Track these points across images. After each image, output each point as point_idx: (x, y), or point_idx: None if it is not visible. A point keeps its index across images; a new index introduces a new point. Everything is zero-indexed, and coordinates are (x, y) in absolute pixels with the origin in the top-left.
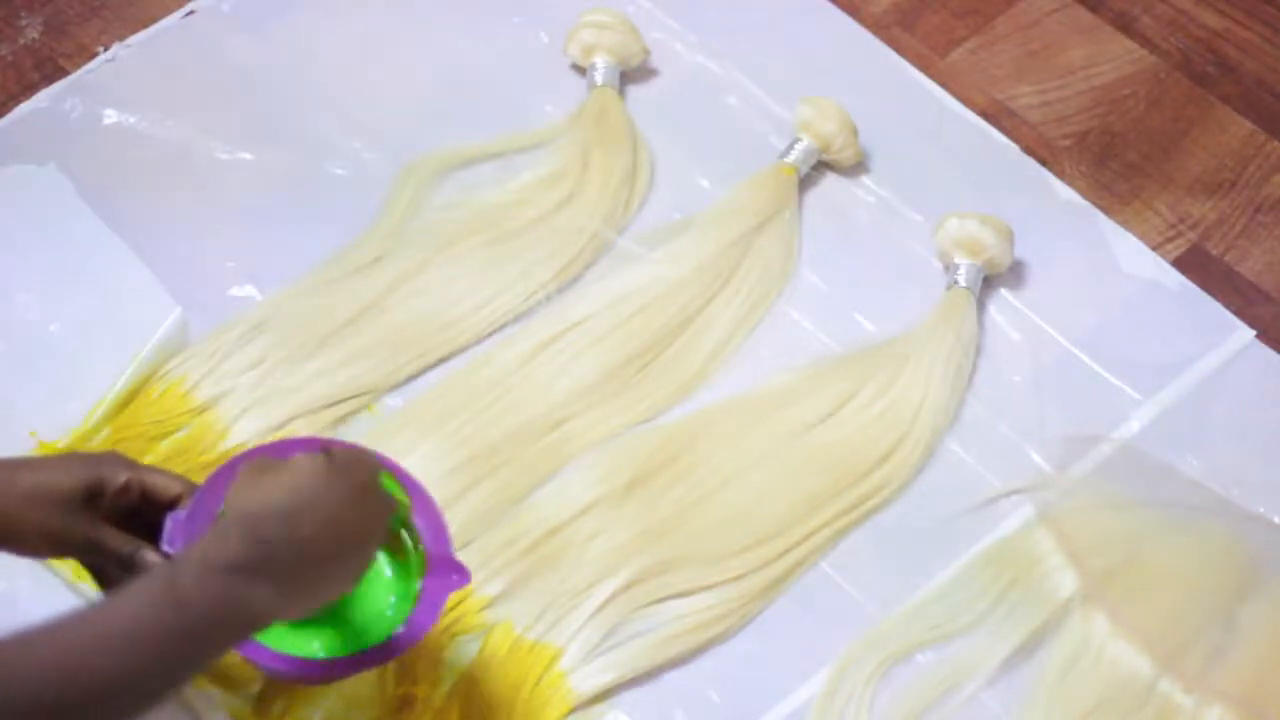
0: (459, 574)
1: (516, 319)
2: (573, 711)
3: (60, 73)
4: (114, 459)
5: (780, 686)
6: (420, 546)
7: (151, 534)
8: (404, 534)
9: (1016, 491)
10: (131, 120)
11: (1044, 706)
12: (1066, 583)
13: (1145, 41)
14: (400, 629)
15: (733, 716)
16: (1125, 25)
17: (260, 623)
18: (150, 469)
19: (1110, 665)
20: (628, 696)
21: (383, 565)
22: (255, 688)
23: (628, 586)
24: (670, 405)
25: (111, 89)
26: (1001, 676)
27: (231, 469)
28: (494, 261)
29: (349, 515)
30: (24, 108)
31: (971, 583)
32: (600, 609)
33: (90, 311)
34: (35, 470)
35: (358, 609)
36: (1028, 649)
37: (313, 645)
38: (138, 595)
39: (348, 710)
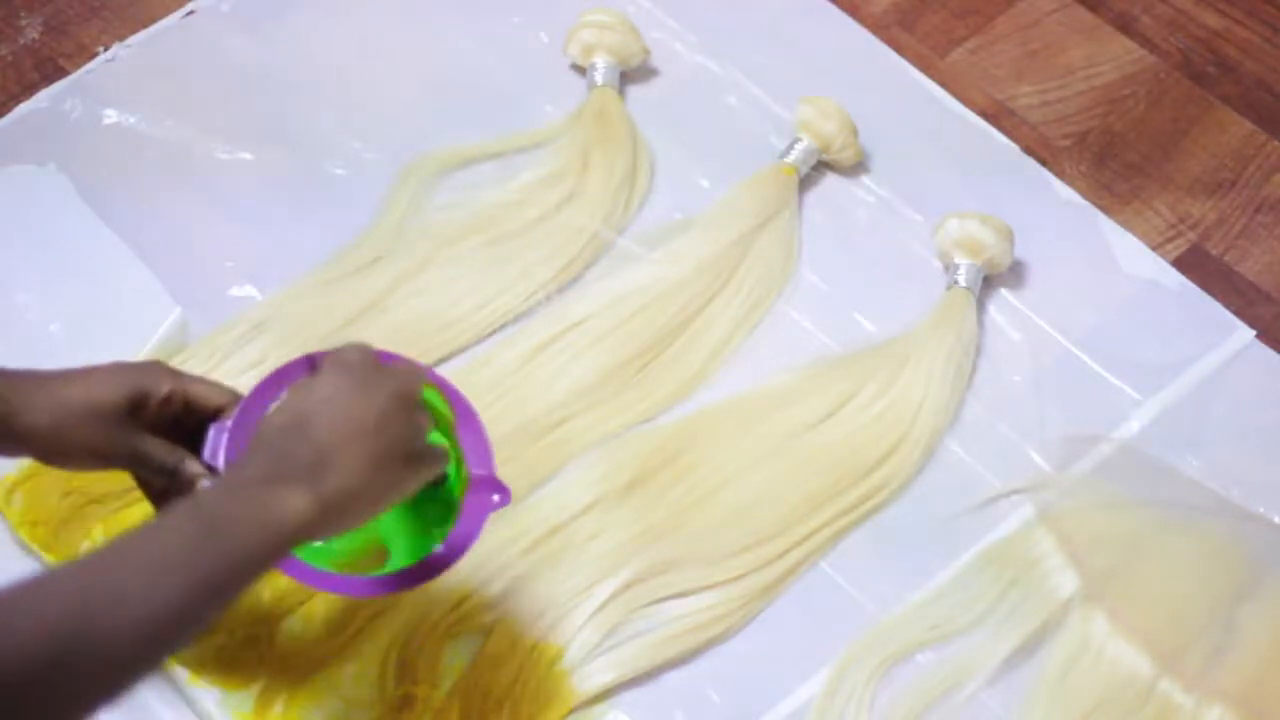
0: (500, 492)
1: (516, 319)
2: (573, 711)
3: (60, 73)
4: (156, 369)
5: (780, 686)
6: (463, 463)
7: (195, 444)
8: (448, 448)
9: (1016, 491)
10: (131, 120)
11: (1044, 706)
12: (1066, 583)
13: (1145, 41)
14: (438, 548)
15: (733, 716)
16: (1125, 25)
17: (295, 536)
18: (194, 378)
19: (1110, 665)
20: (628, 696)
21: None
22: (256, 687)
23: (628, 586)
24: (670, 405)
25: (111, 89)
26: (1001, 676)
27: (277, 379)
28: (494, 261)
29: (370, 418)
30: (24, 108)
31: (971, 583)
32: (600, 609)
33: (90, 311)
34: (79, 384)
35: (401, 527)
36: (1028, 649)
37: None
38: (165, 523)
39: (348, 710)
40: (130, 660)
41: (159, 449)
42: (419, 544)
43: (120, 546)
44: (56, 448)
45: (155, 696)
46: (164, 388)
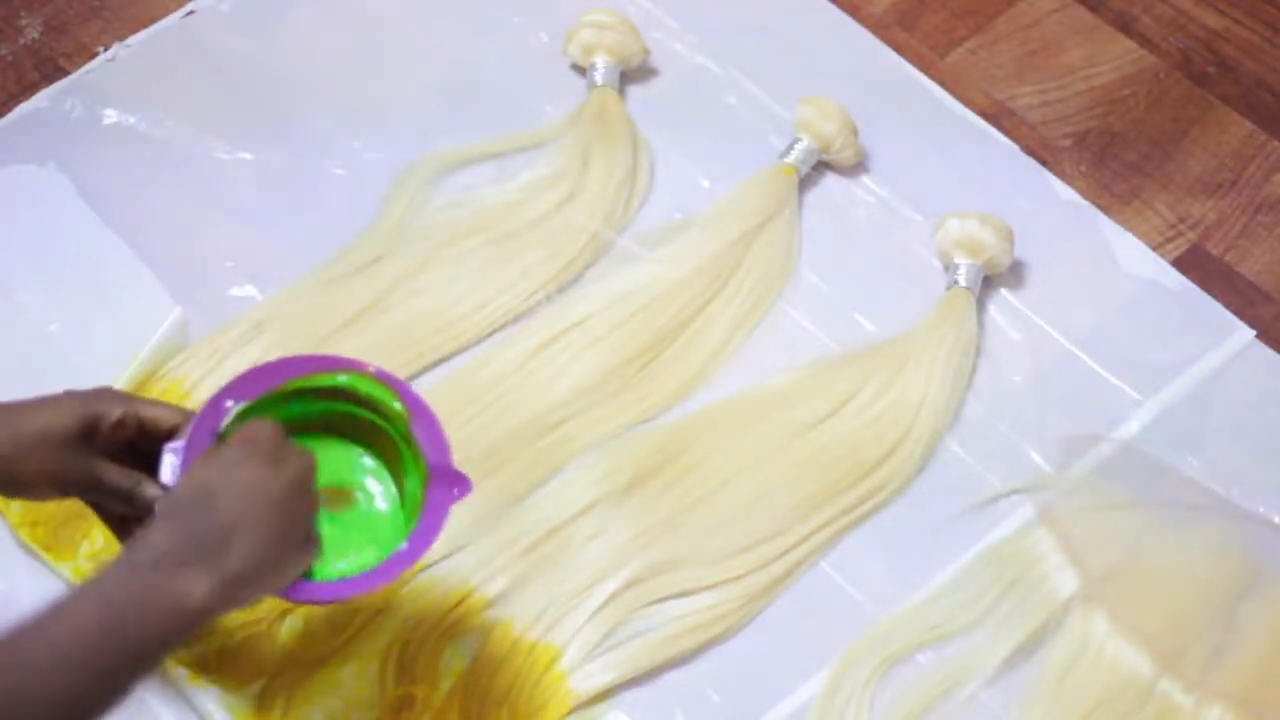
0: (460, 485)
1: (516, 319)
2: (573, 711)
3: (60, 73)
4: (108, 393)
5: (780, 686)
6: (421, 460)
7: (152, 466)
8: (404, 448)
9: (1016, 491)
10: (131, 120)
11: (1044, 706)
12: (1066, 583)
13: (1145, 41)
14: (403, 545)
15: (733, 716)
16: (1125, 25)
17: (198, 618)
18: (146, 400)
19: (1110, 665)
20: (628, 696)
21: (377, 489)
22: (256, 687)
23: (628, 586)
24: (670, 405)
25: (111, 89)
26: (1001, 676)
27: (222, 397)
28: (494, 261)
29: (275, 496)
30: (24, 108)
31: (971, 583)
32: (600, 609)
33: (90, 311)
34: (30, 412)
35: (363, 531)
36: (1028, 649)
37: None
38: (66, 614)
39: (348, 710)
40: None
41: (114, 473)
42: (384, 541)
43: (21, 643)
44: (12, 477)
45: (155, 696)
46: (116, 412)
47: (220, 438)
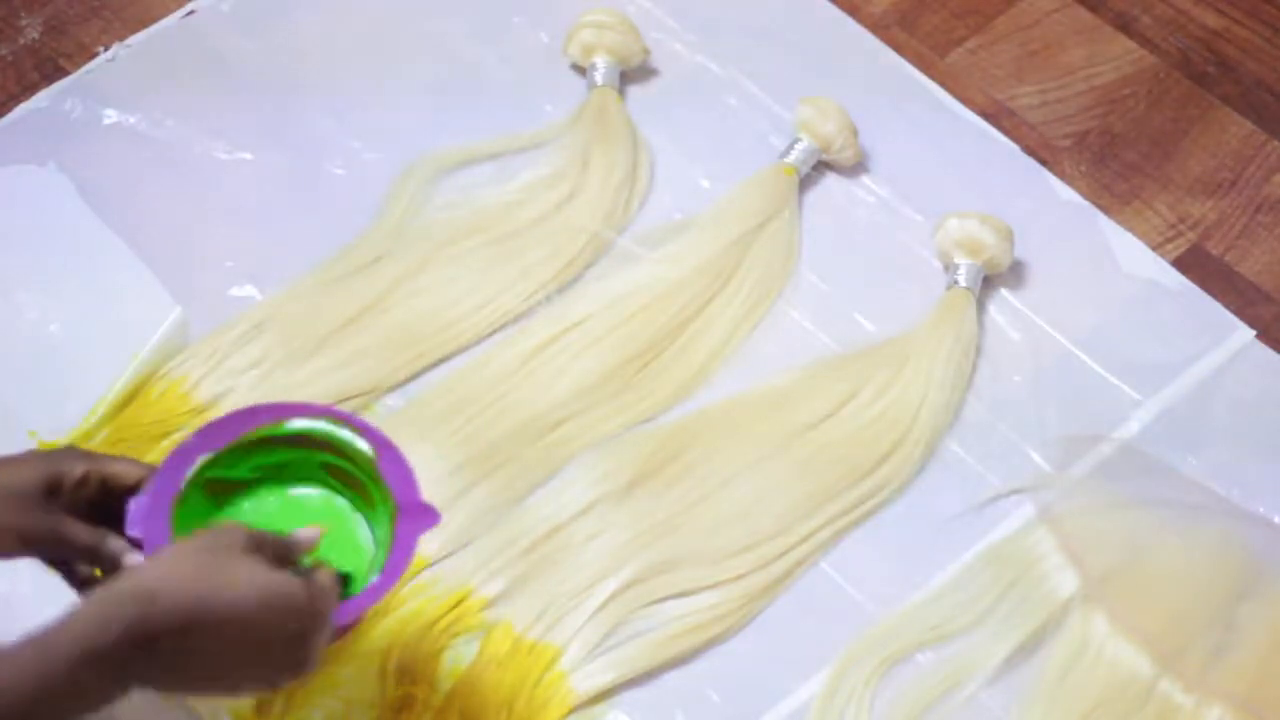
0: (429, 516)
1: (516, 319)
2: (573, 711)
3: (60, 73)
4: (70, 453)
5: (780, 686)
6: (389, 498)
7: (117, 522)
8: (373, 487)
9: (1016, 491)
10: (131, 120)
11: (1044, 706)
12: (1066, 583)
13: (1145, 41)
14: (375, 578)
15: (733, 716)
16: (1125, 25)
17: (124, 695)
18: (109, 457)
19: (1110, 665)
20: (628, 696)
21: (356, 525)
22: None
23: (628, 586)
24: (670, 405)
25: (111, 89)
26: (1001, 676)
27: (186, 449)
28: (494, 261)
29: (262, 645)
30: (24, 108)
31: (971, 583)
32: (600, 609)
33: (90, 311)
34: None
35: (342, 565)
36: (1028, 649)
37: None
38: (4, 665)
39: (348, 710)
40: None
41: (78, 530)
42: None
43: None
44: None
45: (155, 696)
46: (78, 470)
47: (188, 488)
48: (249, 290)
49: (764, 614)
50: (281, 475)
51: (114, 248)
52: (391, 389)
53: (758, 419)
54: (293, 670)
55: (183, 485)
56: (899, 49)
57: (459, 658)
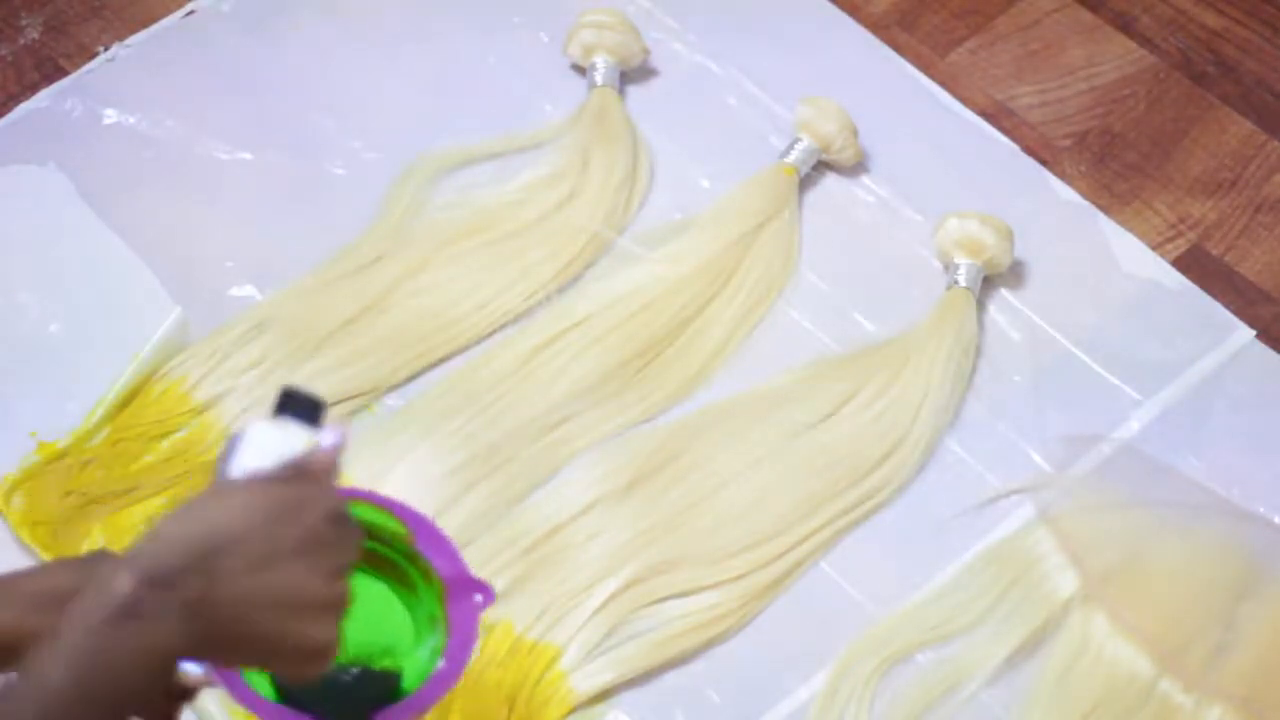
0: (483, 592)
1: (516, 319)
2: (573, 711)
3: (60, 73)
4: (105, 557)
5: (780, 686)
6: (432, 576)
7: None
8: (409, 567)
9: (1016, 491)
10: (131, 120)
11: (1044, 706)
12: (1066, 583)
13: (1145, 41)
14: (440, 665)
15: (733, 716)
16: (1125, 25)
17: (168, 668)
18: None
19: (1110, 665)
20: (628, 696)
21: (396, 608)
22: None
23: (628, 586)
24: (670, 405)
25: (111, 89)
26: (1001, 676)
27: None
28: (494, 261)
29: (290, 564)
30: (24, 108)
31: (971, 583)
32: (600, 609)
33: (90, 311)
34: (32, 579)
35: (380, 655)
36: (1028, 649)
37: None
38: (36, 665)
39: None
40: None
41: None
42: (414, 665)
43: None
44: (21, 645)
45: None
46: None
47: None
48: (249, 290)
49: (764, 614)
50: None
51: (114, 248)
52: (391, 389)
53: (758, 419)
54: (333, 582)
55: None
56: (899, 49)
57: None
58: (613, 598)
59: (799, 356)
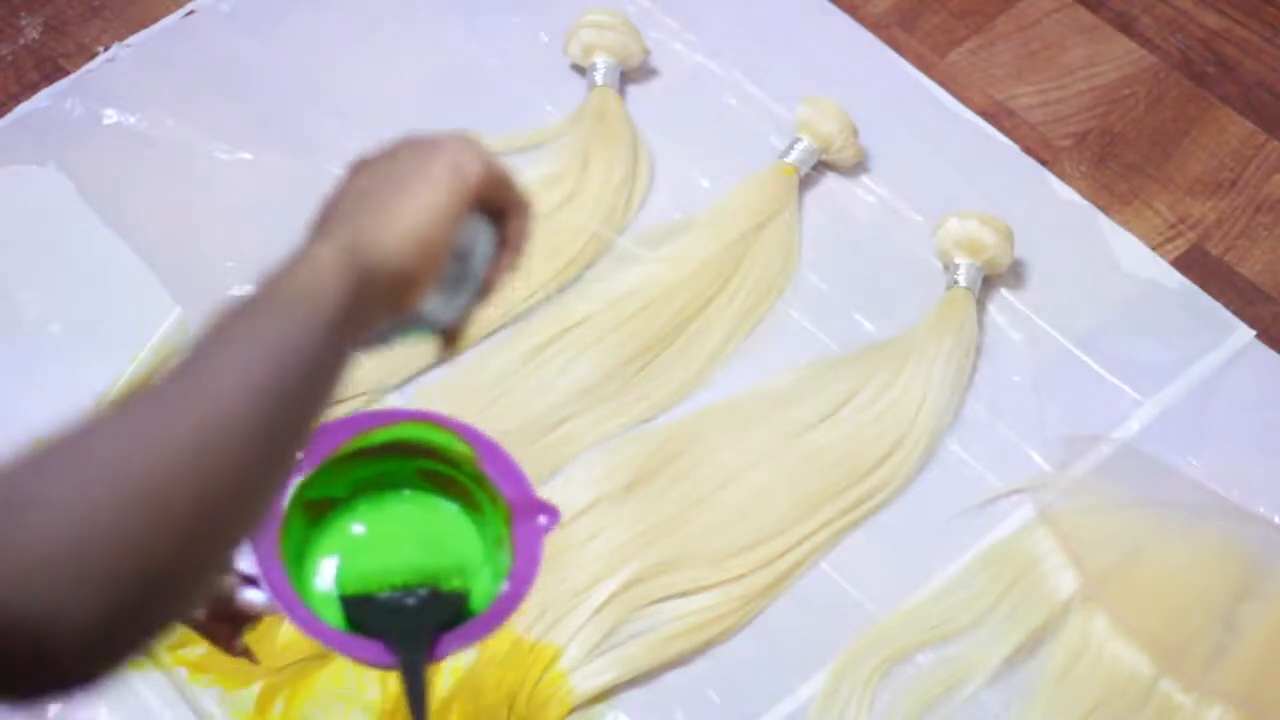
0: (548, 513)
1: (516, 319)
2: (573, 711)
3: (60, 73)
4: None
5: (780, 686)
6: (498, 499)
7: None
8: (476, 490)
9: (1016, 491)
10: (131, 120)
11: (1044, 706)
12: (1066, 583)
13: (1145, 41)
14: (505, 586)
15: (733, 716)
16: (1125, 25)
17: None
18: None
19: (1110, 665)
20: (628, 696)
21: (466, 530)
22: (256, 687)
23: (628, 586)
24: (670, 405)
25: (111, 89)
26: (1001, 676)
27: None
28: None
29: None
30: (24, 108)
31: (971, 583)
32: (600, 609)
33: (90, 311)
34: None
35: (448, 575)
36: (1028, 649)
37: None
38: (226, 330)
39: (348, 710)
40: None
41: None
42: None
43: (195, 369)
44: None
45: (155, 696)
46: None
47: (288, 512)
48: (249, 290)
49: (764, 614)
50: (380, 487)
51: (114, 248)
52: (391, 389)
53: (758, 419)
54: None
55: (284, 510)
56: (899, 49)
57: (459, 658)
58: (613, 597)
59: (799, 356)
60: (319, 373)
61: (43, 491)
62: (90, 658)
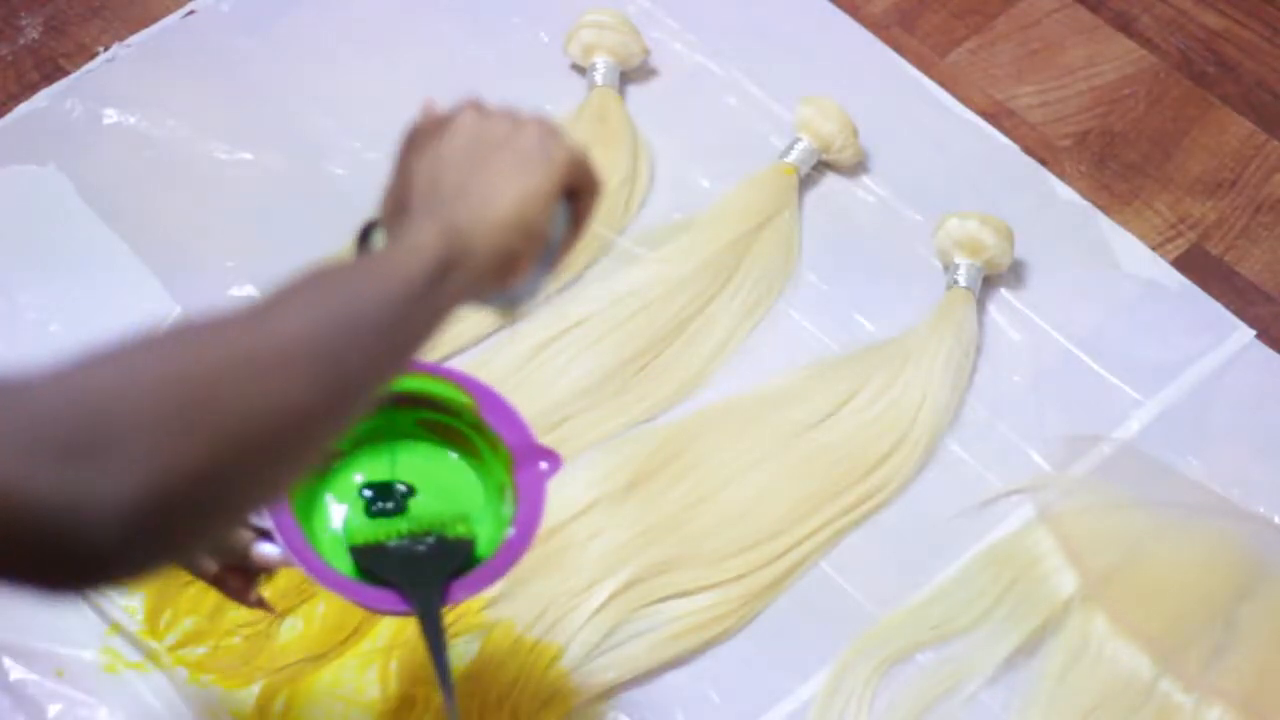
0: (549, 459)
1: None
2: (573, 711)
3: (60, 73)
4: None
5: (780, 686)
6: (499, 446)
7: None
8: (477, 438)
9: (1016, 491)
10: (131, 120)
11: (1044, 706)
12: (1066, 583)
13: (1145, 41)
14: (510, 532)
15: (733, 716)
16: (1125, 25)
17: (430, 274)
18: None
19: (1110, 665)
20: (628, 696)
21: (468, 477)
22: (256, 687)
23: (628, 586)
24: (670, 405)
25: (111, 89)
26: (1001, 676)
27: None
28: None
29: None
30: (24, 108)
31: (971, 583)
32: (600, 609)
33: (90, 312)
34: None
35: (454, 523)
36: (1028, 649)
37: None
38: (291, 287)
39: (348, 710)
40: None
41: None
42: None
43: (261, 313)
44: None
45: (155, 696)
46: (213, 567)
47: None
48: (249, 290)
49: (764, 614)
50: (381, 438)
51: (114, 248)
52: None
53: (758, 419)
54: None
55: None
56: (899, 49)
57: (460, 657)
58: (613, 597)
59: (799, 356)
60: (392, 335)
61: (90, 371)
62: (124, 543)
